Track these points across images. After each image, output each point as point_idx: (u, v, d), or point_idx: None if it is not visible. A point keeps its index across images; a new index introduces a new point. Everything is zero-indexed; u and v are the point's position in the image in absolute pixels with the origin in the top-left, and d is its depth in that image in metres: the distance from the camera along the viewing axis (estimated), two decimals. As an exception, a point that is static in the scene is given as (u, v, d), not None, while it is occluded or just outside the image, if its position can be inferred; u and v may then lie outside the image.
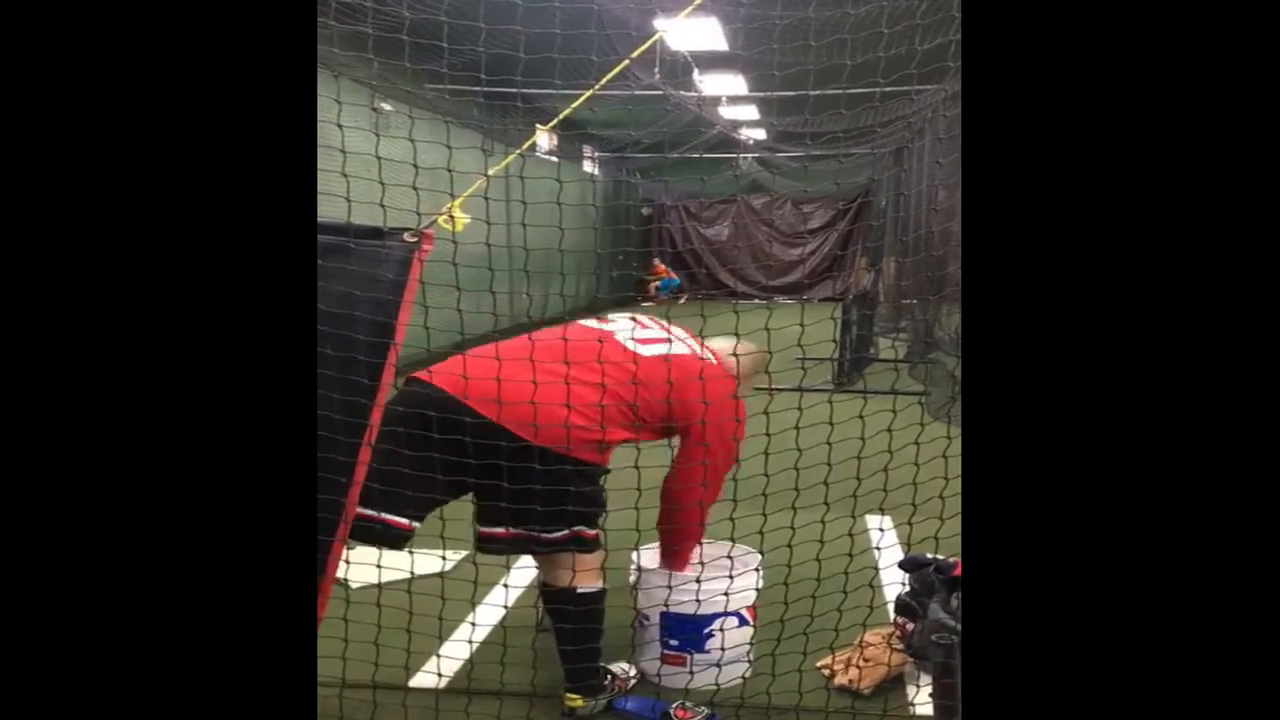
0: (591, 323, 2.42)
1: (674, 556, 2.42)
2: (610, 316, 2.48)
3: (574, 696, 2.29)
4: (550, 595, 2.34)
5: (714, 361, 2.35)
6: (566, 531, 2.21)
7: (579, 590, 2.25)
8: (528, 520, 2.17)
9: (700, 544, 2.37)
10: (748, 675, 2.45)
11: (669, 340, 2.33)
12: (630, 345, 2.28)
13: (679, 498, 2.32)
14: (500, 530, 2.23)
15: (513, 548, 2.28)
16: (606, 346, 2.20)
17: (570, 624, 2.26)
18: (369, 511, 2.13)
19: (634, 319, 2.45)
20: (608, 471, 2.28)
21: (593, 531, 2.25)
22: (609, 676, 2.38)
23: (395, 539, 2.21)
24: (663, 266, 15.63)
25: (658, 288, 14.92)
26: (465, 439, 2.07)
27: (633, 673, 2.45)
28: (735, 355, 2.40)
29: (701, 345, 2.39)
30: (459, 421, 2.09)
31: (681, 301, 13.99)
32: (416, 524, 2.22)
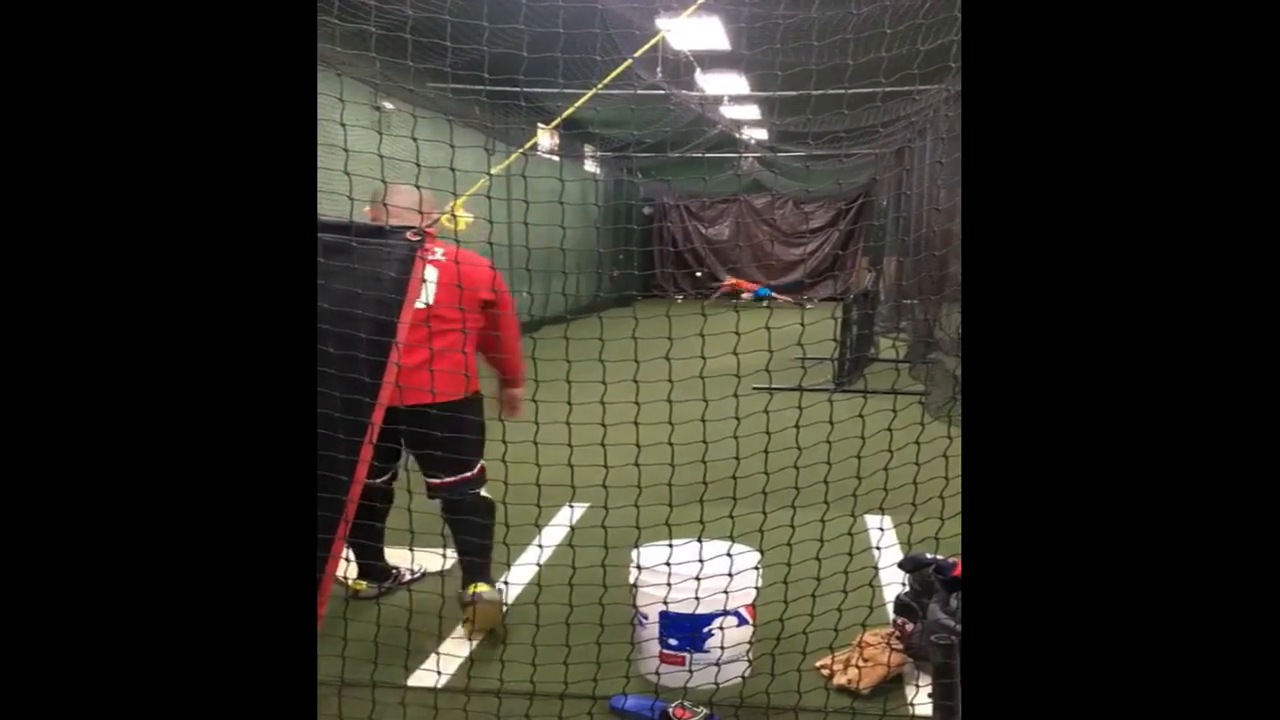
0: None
1: (515, 376, 2.94)
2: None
3: (359, 581, 2.92)
4: (444, 488, 2.79)
5: (434, 252, 2.58)
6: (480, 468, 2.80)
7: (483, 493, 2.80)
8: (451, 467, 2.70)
9: (698, 541, 2.36)
10: (747, 675, 2.45)
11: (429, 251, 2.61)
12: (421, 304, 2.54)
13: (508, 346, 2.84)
14: (447, 479, 2.76)
15: (454, 488, 2.76)
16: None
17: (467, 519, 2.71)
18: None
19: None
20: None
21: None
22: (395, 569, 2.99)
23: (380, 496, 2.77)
24: (743, 282, 15.51)
25: (752, 295, 14.78)
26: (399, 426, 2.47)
27: (418, 569, 3.00)
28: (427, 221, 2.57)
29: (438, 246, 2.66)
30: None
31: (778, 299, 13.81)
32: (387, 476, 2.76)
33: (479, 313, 2.72)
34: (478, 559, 2.75)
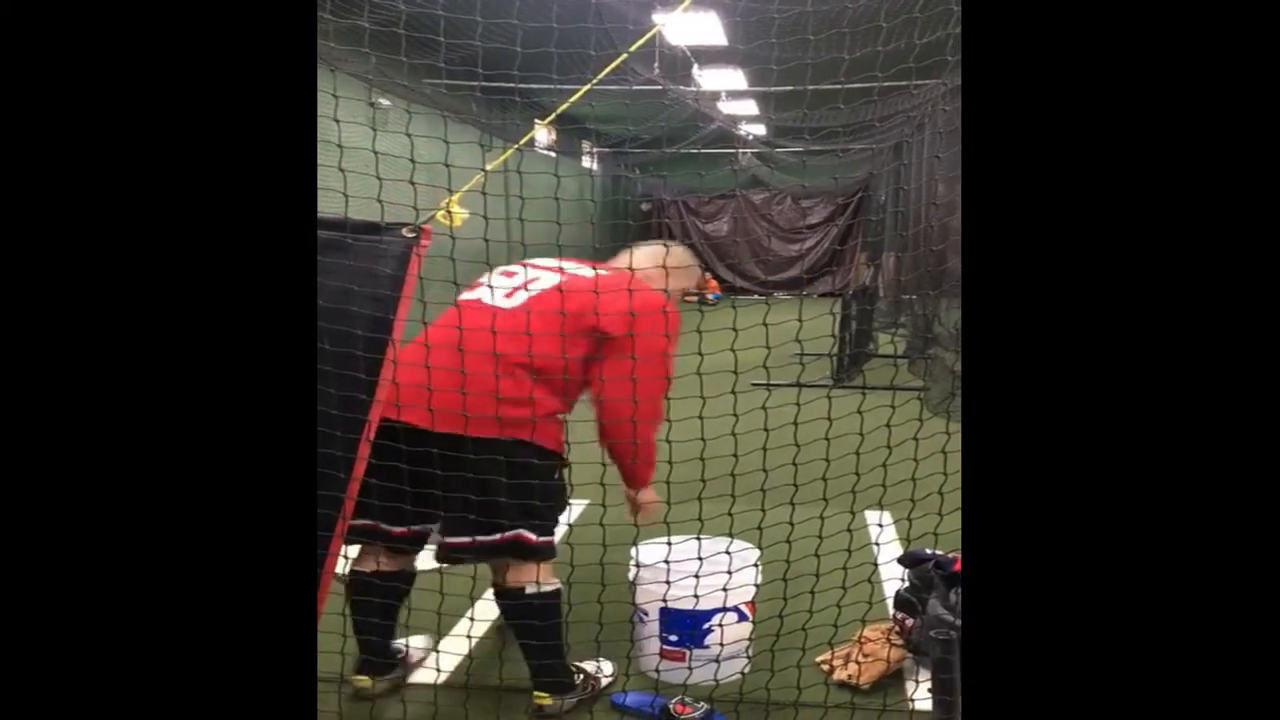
0: (467, 295, 2.28)
1: (631, 477, 2.33)
2: (482, 280, 2.32)
3: (542, 695, 2.27)
4: (500, 595, 2.29)
5: (592, 275, 2.25)
6: (499, 536, 2.14)
7: (528, 591, 2.19)
8: (467, 524, 2.12)
9: (696, 539, 2.36)
10: (747, 671, 2.45)
11: (531, 281, 2.24)
12: (493, 301, 2.20)
13: (614, 410, 2.16)
14: (450, 540, 2.19)
15: (466, 556, 2.21)
16: (466, 320, 2.11)
17: (523, 625, 2.24)
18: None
19: (504, 271, 2.32)
20: (565, 463, 2.24)
21: (536, 537, 2.17)
22: (580, 674, 2.36)
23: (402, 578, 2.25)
24: (713, 282, 15.56)
25: (711, 299, 14.81)
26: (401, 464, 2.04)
27: (608, 670, 2.43)
28: (659, 267, 2.26)
29: (587, 264, 2.31)
30: (397, 448, 2.06)
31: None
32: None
33: (578, 345, 2.16)
34: (534, 661, 2.25)
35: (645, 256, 2.41)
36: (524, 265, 2.30)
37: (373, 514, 2.15)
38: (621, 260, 2.39)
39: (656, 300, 2.21)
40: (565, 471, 2.28)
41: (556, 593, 2.25)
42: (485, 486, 2.09)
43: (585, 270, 2.29)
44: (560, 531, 2.31)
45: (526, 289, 2.22)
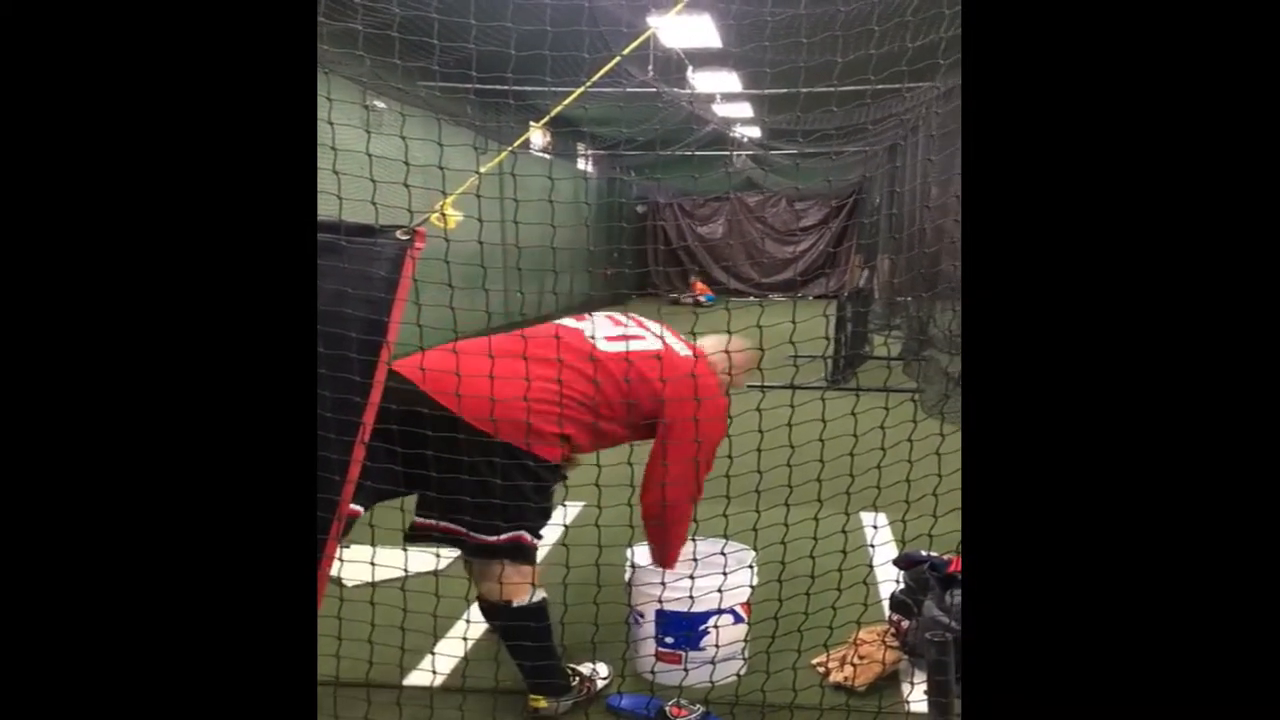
0: (569, 321, 2.38)
1: (663, 556, 2.37)
2: (588, 315, 2.44)
3: (538, 698, 2.29)
4: (486, 609, 2.32)
5: (689, 356, 2.31)
6: (507, 535, 2.16)
7: (514, 605, 2.22)
8: (466, 514, 2.13)
9: (691, 540, 2.36)
10: (742, 673, 2.45)
11: (635, 338, 2.29)
12: (592, 341, 2.25)
13: (658, 495, 2.22)
14: (431, 521, 2.20)
15: (444, 541, 2.23)
16: (565, 341, 2.19)
17: (513, 636, 2.26)
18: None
19: (610, 317, 2.42)
20: (564, 477, 2.26)
21: (533, 540, 2.21)
22: (576, 677, 2.37)
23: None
24: (701, 284, 15.58)
25: (702, 301, 14.79)
26: (426, 431, 2.05)
27: (604, 672, 2.45)
28: (723, 352, 2.34)
29: (685, 342, 2.35)
30: (419, 414, 2.07)
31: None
32: (361, 509, 2.16)
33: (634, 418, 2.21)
34: (528, 667, 2.28)
35: (736, 356, 2.39)
36: (631, 319, 2.38)
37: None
38: (709, 344, 2.41)
39: (719, 393, 2.26)
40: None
41: (544, 601, 2.26)
42: (490, 489, 2.10)
43: (681, 347, 2.34)
44: (557, 533, 2.31)
45: (627, 341, 2.27)
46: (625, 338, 2.29)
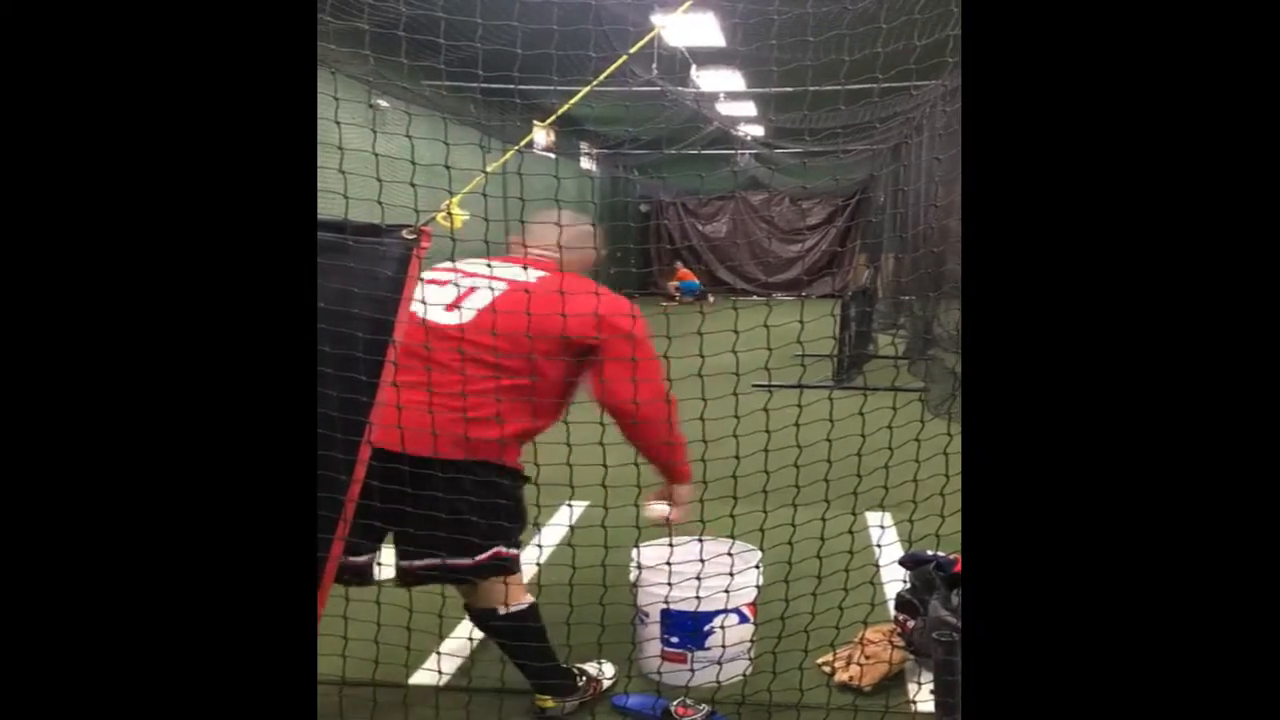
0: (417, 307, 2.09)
1: (670, 460, 2.22)
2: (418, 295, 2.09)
3: (544, 698, 2.29)
4: (475, 616, 2.27)
5: (547, 275, 2.15)
6: (484, 555, 2.11)
7: (501, 612, 2.19)
8: (440, 547, 2.07)
9: (698, 540, 2.36)
10: (748, 673, 2.45)
11: (470, 291, 2.15)
12: (435, 321, 2.11)
13: (627, 391, 2.04)
14: (407, 564, 2.14)
15: (427, 578, 2.16)
16: (410, 343, 2.02)
17: (509, 644, 2.24)
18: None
19: (434, 281, 2.19)
20: (526, 479, 2.21)
21: (510, 550, 2.16)
22: (582, 676, 2.36)
23: (360, 571, 2.15)
24: (685, 269, 15.59)
25: (679, 289, 14.82)
26: (373, 482, 1.97)
27: (609, 671, 2.44)
28: (556, 245, 2.11)
29: (517, 261, 2.21)
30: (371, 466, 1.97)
31: (711, 301, 13.72)
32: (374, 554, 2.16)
33: (556, 357, 2.10)
34: (531, 669, 2.26)
35: (543, 233, 2.23)
36: (456, 271, 2.20)
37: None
38: (536, 237, 2.26)
39: (623, 303, 2.16)
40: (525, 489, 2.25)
41: (533, 606, 2.25)
42: (455, 508, 2.04)
43: (516, 271, 2.19)
44: (561, 534, 2.31)
45: (473, 294, 2.14)
46: (465, 294, 2.14)
